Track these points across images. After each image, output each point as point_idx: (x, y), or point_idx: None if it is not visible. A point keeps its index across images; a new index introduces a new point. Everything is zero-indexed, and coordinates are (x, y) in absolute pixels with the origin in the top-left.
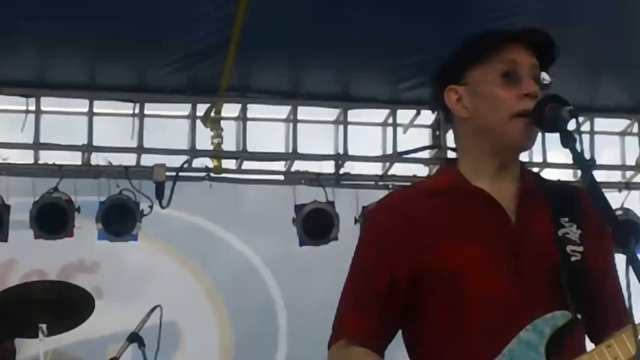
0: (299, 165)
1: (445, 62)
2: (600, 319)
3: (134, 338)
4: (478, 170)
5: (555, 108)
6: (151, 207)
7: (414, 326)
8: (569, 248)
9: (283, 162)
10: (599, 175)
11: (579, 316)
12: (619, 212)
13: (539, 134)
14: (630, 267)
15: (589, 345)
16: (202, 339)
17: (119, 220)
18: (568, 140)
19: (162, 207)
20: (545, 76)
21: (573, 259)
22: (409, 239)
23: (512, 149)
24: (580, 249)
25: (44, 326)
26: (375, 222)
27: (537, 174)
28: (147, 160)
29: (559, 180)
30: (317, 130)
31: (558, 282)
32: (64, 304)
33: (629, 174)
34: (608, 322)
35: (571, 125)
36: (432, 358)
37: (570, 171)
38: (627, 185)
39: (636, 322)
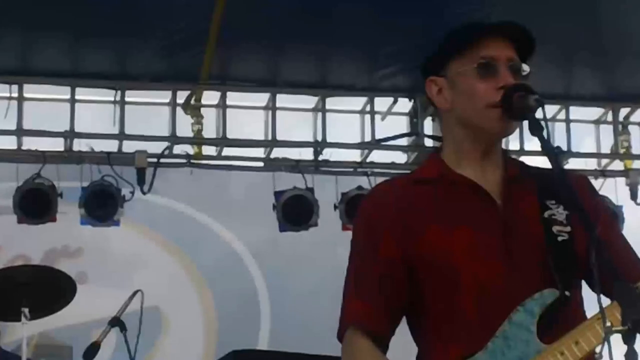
0: (278, 152)
1: (428, 55)
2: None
3: (116, 322)
4: (461, 159)
5: (523, 97)
6: (133, 192)
7: (414, 310)
8: (555, 228)
9: (263, 149)
10: (576, 163)
11: (567, 293)
12: None
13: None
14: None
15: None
16: (187, 323)
17: (101, 205)
18: (535, 128)
19: (144, 193)
20: (524, 67)
21: (560, 239)
22: (400, 227)
23: (490, 137)
24: (568, 229)
25: (26, 310)
26: (366, 214)
27: (521, 162)
28: (129, 146)
29: (543, 167)
30: (296, 117)
31: (547, 261)
32: (46, 289)
33: (604, 161)
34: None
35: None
36: (430, 341)
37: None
38: (603, 173)
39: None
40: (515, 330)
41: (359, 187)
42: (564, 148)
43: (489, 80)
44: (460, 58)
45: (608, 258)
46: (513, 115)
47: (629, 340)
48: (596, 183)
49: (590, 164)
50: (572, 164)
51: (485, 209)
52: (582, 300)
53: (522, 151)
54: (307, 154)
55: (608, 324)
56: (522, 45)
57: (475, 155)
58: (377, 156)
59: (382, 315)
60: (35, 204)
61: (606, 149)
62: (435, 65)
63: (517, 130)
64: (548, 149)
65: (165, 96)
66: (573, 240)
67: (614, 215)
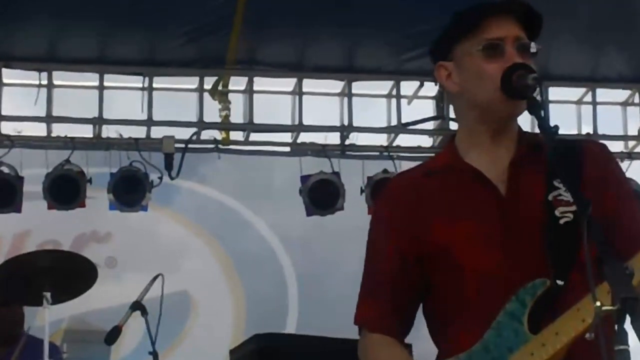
0: (304, 137)
1: (436, 40)
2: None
3: (137, 306)
4: (473, 142)
5: (522, 76)
6: (161, 178)
7: (427, 302)
8: (559, 210)
9: (289, 134)
10: None
11: (559, 282)
12: None
13: None
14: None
15: None
16: (215, 307)
17: (130, 191)
18: (533, 107)
19: (172, 178)
20: (532, 45)
21: (562, 221)
22: (408, 222)
23: (501, 118)
24: (573, 208)
25: (48, 294)
26: (378, 211)
27: (537, 135)
28: (157, 132)
29: (561, 140)
30: (322, 102)
31: (544, 247)
32: (68, 273)
33: (631, 143)
34: (624, 250)
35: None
36: (440, 332)
37: None
38: (630, 155)
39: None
40: (508, 321)
41: (385, 171)
42: (591, 130)
43: (497, 60)
44: (466, 41)
45: (601, 238)
46: (512, 94)
47: (619, 319)
48: (623, 165)
49: (617, 147)
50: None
51: (487, 199)
52: (583, 289)
53: None
54: (333, 138)
55: (598, 303)
56: (529, 23)
57: (486, 137)
58: (403, 140)
59: (390, 315)
60: (65, 190)
61: (633, 131)
62: (443, 49)
63: None
64: (546, 128)
65: (192, 82)
66: (577, 221)
67: (631, 190)
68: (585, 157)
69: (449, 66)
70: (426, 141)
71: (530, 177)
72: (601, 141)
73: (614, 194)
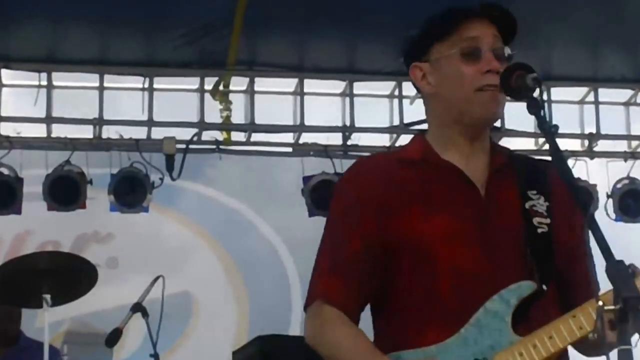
0: (306, 138)
1: (410, 40)
2: (569, 291)
3: (137, 308)
4: (448, 144)
5: (521, 76)
6: (162, 179)
7: (386, 293)
8: (536, 220)
9: (291, 134)
10: (605, 146)
11: (544, 287)
12: (625, 182)
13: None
14: (590, 232)
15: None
16: (218, 308)
17: (130, 192)
18: (533, 107)
19: (173, 179)
20: (507, 50)
21: (540, 230)
22: (380, 206)
23: (480, 122)
24: (547, 221)
25: (47, 297)
26: (346, 189)
27: (507, 148)
28: (158, 133)
29: (528, 155)
30: (324, 102)
31: (526, 253)
32: (67, 275)
33: (634, 143)
34: (577, 294)
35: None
36: (405, 325)
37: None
38: (633, 155)
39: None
40: (490, 319)
41: None
42: (593, 130)
43: (473, 64)
44: (443, 43)
45: (601, 236)
46: (511, 93)
47: (621, 319)
48: (626, 165)
49: (620, 146)
50: (601, 146)
51: (467, 196)
52: (557, 296)
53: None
54: (335, 138)
55: (600, 303)
56: (505, 27)
57: (463, 141)
58: (405, 140)
59: (353, 295)
60: (65, 191)
61: (636, 130)
62: (418, 50)
63: None
64: (546, 128)
65: (193, 83)
66: (552, 233)
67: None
68: (552, 178)
69: (425, 67)
70: None
71: (506, 185)
72: (603, 140)
73: (579, 218)
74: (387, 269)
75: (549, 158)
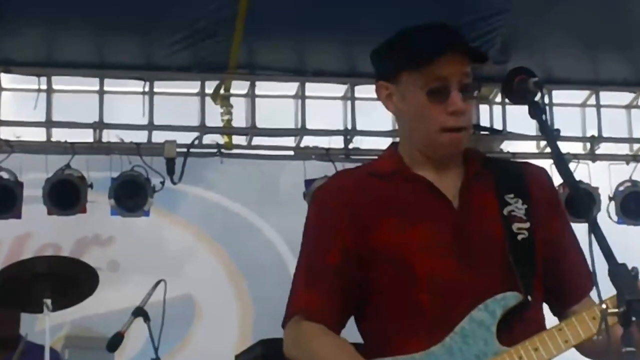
0: (308, 141)
1: (379, 54)
2: (559, 292)
3: (139, 312)
4: (419, 161)
5: (523, 80)
6: (163, 182)
7: (367, 304)
8: (515, 226)
9: (293, 138)
10: (607, 149)
11: (529, 298)
12: (627, 184)
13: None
14: (592, 236)
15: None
16: (220, 312)
17: (131, 196)
18: (535, 111)
19: (174, 183)
20: (474, 88)
21: (520, 237)
22: (354, 219)
23: (442, 157)
24: (527, 225)
25: (48, 301)
26: (321, 203)
27: (482, 154)
28: (158, 137)
29: (503, 159)
30: (325, 105)
31: (507, 261)
32: (68, 279)
33: (635, 146)
34: (567, 296)
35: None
36: (388, 334)
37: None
38: (635, 158)
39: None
40: (475, 329)
41: None
42: (595, 133)
43: (439, 104)
44: (412, 72)
45: (603, 238)
46: (513, 98)
47: (625, 322)
48: (628, 168)
49: (622, 149)
50: (603, 149)
51: (440, 209)
52: (542, 304)
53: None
54: (337, 142)
55: (604, 306)
56: (477, 54)
57: (432, 161)
58: None
59: (331, 309)
60: (65, 196)
61: (638, 133)
62: (387, 69)
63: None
64: (547, 131)
65: (194, 86)
66: (533, 239)
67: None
68: (529, 178)
69: (391, 88)
70: None
71: (482, 192)
72: (605, 143)
73: (559, 217)
74: (366, 280)
75: (551, 161)
